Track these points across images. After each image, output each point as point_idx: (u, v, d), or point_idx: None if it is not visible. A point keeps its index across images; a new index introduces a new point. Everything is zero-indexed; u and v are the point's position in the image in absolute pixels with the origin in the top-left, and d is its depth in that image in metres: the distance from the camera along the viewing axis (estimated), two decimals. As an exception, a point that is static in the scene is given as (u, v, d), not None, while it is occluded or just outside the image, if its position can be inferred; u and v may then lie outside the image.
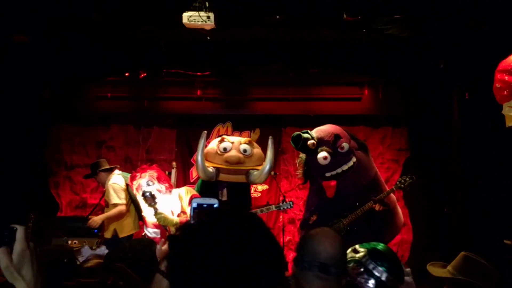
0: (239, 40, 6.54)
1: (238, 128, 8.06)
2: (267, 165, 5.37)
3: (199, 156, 5.23)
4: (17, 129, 6.97)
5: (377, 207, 5.31)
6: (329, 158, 5.39)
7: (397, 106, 7.61)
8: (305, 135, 5.52)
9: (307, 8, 5.40)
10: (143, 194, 4.65)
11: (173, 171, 6.12)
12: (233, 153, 5.34)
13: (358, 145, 5.68)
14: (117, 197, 5.65)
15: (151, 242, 2.46)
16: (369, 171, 5.60)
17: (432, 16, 5.37)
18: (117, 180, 5.82)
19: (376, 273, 1.99)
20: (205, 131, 5.48)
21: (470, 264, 2.55)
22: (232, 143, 5.51)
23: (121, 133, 8.07)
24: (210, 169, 5.18)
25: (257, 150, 5.67)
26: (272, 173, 7.20)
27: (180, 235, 1.10)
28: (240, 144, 5.53)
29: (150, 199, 4.60)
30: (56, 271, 1.84)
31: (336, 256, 1.80)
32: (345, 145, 5.45)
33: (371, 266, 2.00)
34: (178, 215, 4.88)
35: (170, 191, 4.92)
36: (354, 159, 5.48)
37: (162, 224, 4.87)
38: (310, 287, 1.76)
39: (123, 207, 5.63)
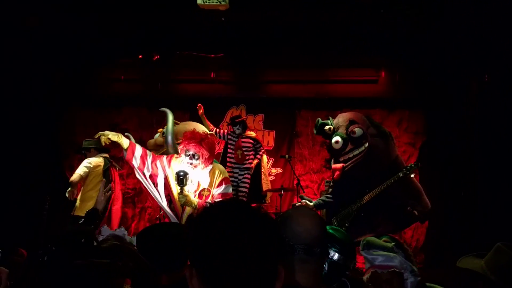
0: (253, 21, 6.43)
1: (252, 111, 8.00)
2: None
3: (169, 136, 5.49)
4: (30, 112, 6.97)
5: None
6: (340, 142, 5.52)
7: (414, 89, 7.46)
8: (325, 121, 5.76)
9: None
10: (177, 173, 4.68)
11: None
12: None
13: (377, 132, 5.67)
14: (79, 168, 6.03)
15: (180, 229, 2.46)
16: (383, 159, 5.56)
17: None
18: (93, 159, 6.16)
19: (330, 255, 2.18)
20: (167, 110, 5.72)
21: (503, 258, 2.37)
22: None
23: (134, 116, 8.06)
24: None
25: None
26: (286, 156, 7.20)
27: (197, 218, 1.15)
28: None
29: (181, 180, 4.64)
30: (71, 252, 1.83)
31: (319, 235, 1.71)
32: (357, 130, 5.50)
33: None
34: (202, 190, 4.86)
35: (207, 165, 4.90)
36: (366, 145, 5.47)
37: (182, 204, 4.88)
38: (294, 272, 1.66)
39: (76, 176, 5.92)
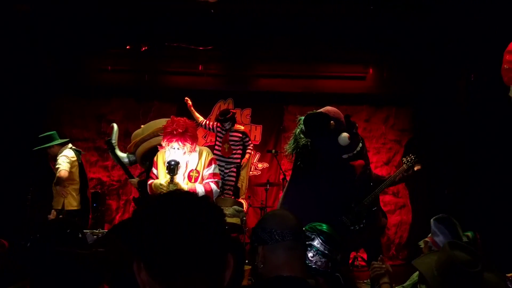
0: (243, 14, 6.41)
1: (240, 105, 7.99)
2: None
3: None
4: (17, 100, 6.89)
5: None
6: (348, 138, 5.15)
7: (402, 85, 7.51)
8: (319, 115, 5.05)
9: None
10: (169, 162, 4.64)
11: None
12: None
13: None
14: (63, 164, 5.75)
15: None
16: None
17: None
18: (67, 153, 5.90)
19: (315, 244, 2.33)
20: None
21: (443, 256, 2.35)
22: None
23: (121, 107, 8.00)
24: None
25: None
26: (273, 151, 7.21)
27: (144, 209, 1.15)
28: None
29: (172, 169, 4.60)
30: (55, 240, 1.83)
31: (299, 223, 1.93)
32: (356, 125, 5.28)
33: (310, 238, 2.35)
34: (191, 171, 4.84)
35: (195, 150, 4.87)
36: (361, 139, 5.32)
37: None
38: (281, 260, 1.81)
39: (65, 172, 5.71)
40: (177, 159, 4.67)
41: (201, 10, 5.85)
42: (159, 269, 1.06)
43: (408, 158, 5.25)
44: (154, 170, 4.85)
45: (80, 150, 6.11)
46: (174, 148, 4.70)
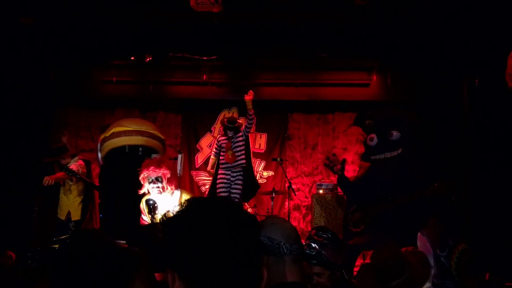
0: (246, 24, 6.43)
1: (244, 113, 7.99)
2: None
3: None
4: (22, 112, 6.92)
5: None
6: (375, 140, 5.28)
7: (406, 92, 7.50)
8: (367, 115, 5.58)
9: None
10: (147, 202, 4.63)
11: (179, 157, 6.07)
12: None
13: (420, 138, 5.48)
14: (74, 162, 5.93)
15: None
16: (417, 168, 5.30)
17: (443, 1, 5.27)
18: (78, 162, 6.08)
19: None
20: None
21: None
22: None
23: (126, 118, 8.01)
24: None
25: None
26: (278, 159, 7.21)
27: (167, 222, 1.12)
28: None
29: (151, 209, 4.57)
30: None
31: (298, 234, 1.93)
32: (395, 134, 5.27)
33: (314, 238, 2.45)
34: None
35: (173, 193, 4.88)
36: (399, 150, 5.23)
37: None
38: (285, 269, 1.81)
39: (76, 167, 5.84)
40: (155, 199, 4.66)
41: (205, 21, 5.88)
42: (194, 280, 1.03)
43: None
44: (144, 217, 4.86)
45: (89, 160, 6.19)
46: (152, 181, 4.67)
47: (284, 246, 1.82)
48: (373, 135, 5.30)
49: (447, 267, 2.54)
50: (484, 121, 5.97)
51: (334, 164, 5.24)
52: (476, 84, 6.26)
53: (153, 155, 5.59)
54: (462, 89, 6.63)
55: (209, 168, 7.26)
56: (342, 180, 5.37)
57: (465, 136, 6.57)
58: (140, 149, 5.76)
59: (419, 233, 2.78)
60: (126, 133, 5.68)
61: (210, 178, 7.33)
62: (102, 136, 5.68)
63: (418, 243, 2.76)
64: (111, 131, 5.65)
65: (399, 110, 5.75)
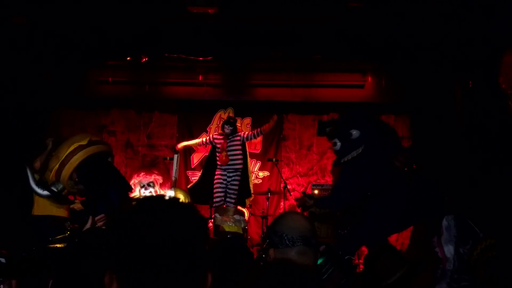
0: (242, 25, 6.45)
1: (240, 114, 8.02)
2: None
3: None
4: (17, 113, 6.91)
5: None
6: (338, 144, 5.28)
7: (400, 94, 7.55)
8: (327, 121, 5.59)
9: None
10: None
11: (175, 157, 6.09)
12: None
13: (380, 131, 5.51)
14: None
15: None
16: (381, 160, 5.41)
17: (437, 3, 5.30)
18: None
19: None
20: None
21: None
22: None
23: (122, 118, 8.04)
24: None
25: None
26: (274, 159, 7.23)
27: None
28: None
29: None
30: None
31: (312, 228, 1.92)
32: (355, 132, 5.28)
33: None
34: None
35: (168, 190, 4.87)
36: (362, 147, 5.31)
37: None
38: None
39: None
40: None
41: (200, 21, 5.89)
42: (131, 283, 1.00)
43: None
44: None
45: None
46: (143, 187, 4.65)
47: (286, 238, 1.83)
48: (335, 140, 5.24)
49: (465, 260, 2.52)
50: (478, 123, 6.01)
51: (304, 203, 5.26)
52: (470, 86, 6.30)
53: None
54: (456, 91, 6.67)
55: (179, 145, 7.01)
56: (318, 202, 5.40)
57: (458, 138, 6.61)
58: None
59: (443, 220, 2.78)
60: (81, 147, 5.23)
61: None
62: (54, 171, 5.25)
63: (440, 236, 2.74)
64: (62, 158, 5.23)
65: (357, 109, 5.76)
